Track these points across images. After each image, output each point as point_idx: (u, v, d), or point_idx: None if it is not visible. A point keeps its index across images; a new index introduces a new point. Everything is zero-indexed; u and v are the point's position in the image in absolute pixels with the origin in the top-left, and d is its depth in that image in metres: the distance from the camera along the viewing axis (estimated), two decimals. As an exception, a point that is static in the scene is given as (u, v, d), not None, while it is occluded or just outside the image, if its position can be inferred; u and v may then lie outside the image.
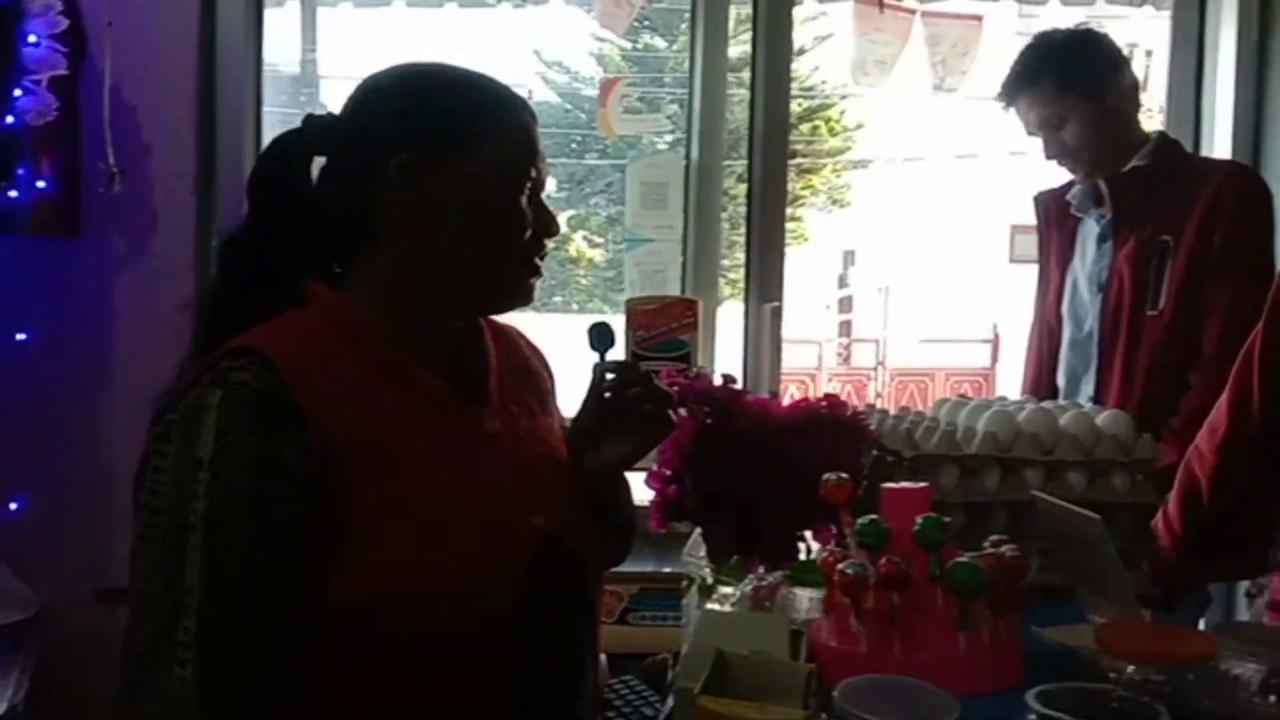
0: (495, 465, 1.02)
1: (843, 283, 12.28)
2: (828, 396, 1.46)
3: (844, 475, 1.17)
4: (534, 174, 1.04)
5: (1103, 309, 1.89)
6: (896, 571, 1.01)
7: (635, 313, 2.13)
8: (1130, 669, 0.98)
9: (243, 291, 1.02)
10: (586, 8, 2.74)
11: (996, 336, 9.39)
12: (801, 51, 10.25)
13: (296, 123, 1.07)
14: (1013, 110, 1.95)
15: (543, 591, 0.99)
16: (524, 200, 1.03)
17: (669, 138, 3.79)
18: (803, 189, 10.28)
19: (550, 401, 1.16)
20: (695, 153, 2.28)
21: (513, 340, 1.15)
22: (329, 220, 1.03)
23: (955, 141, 9.92)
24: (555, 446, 1.10)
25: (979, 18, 3.13)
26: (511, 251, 1.03)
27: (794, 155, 10.71)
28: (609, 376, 1.07)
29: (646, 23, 9.32)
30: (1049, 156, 1.95)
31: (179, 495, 0.90)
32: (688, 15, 2.32)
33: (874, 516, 1.08)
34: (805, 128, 10.58)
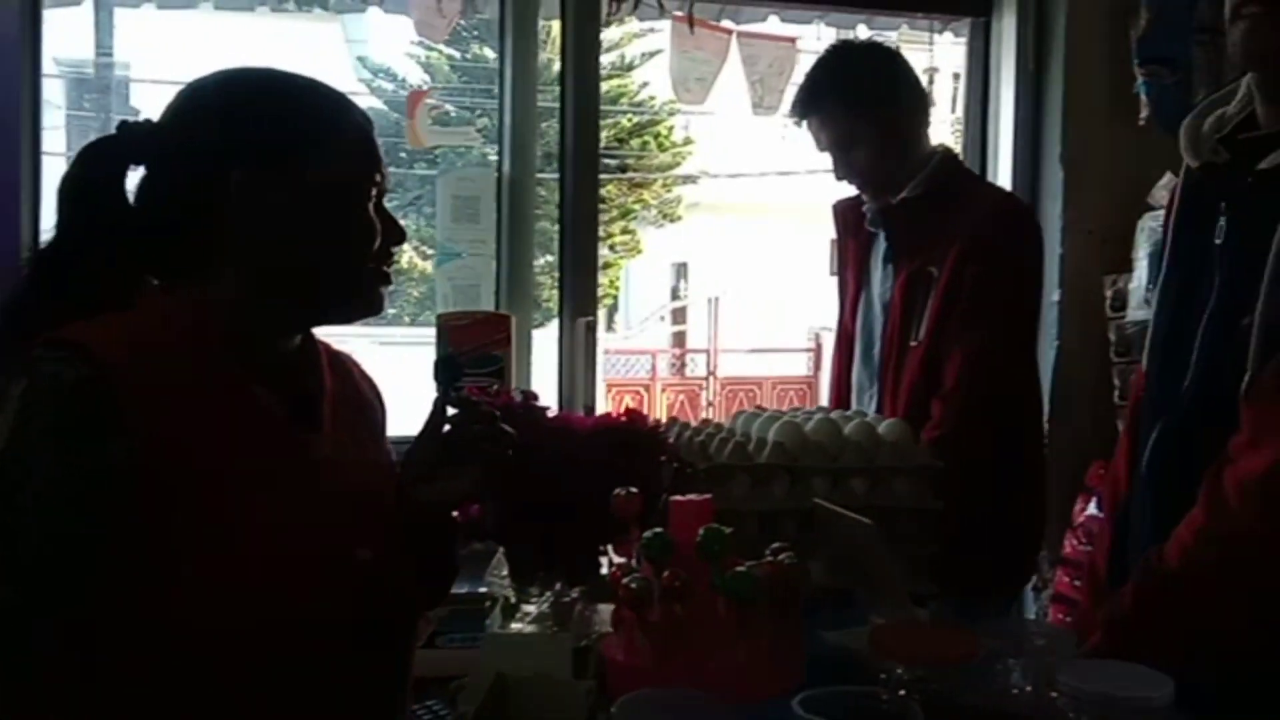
0: (322, 493, 0.99)
1: (675, 294, 12.52)
2: (628, 411, 1.47)
3: (633, 490, 1.18)
4: (378, 179, 1.03)
5: (884, 331, 1.88)
6: (679, 584, 1.03)
7: (447, 328, 2.10)
8: (899, 669, 1.03)
9: (55, 304, 0.95)
10: (406, 12, 2.69)
11: (818, 345, 9.77)
12: (632, 67, 10.41)
13: (93, 125, 1.02)
14: (805, 127, 1.92)
15: (362, 626, 0.97)
16: (369, 206, 1.02)
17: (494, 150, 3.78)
18: (634, 203, 10.43)
19: (381, 434, 1.14)
20: (507, 166, 2.27)
21: (347, 368, 1.13)
22: (153, 231, 0.98)
23: (777, 158, 10.30)
24: (383, 480, 1.09)
25: (793, 40, 3.26)
26: (363, 258, 1.02)
27: (625, 169, 10.85)
28: (451, 412, 1.06)
29: (475, 33, 9.25)
30: (839, 177, 1.93)
31: None
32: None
33: (659, 530, 1.09)
34: (636, 142, 10.74)
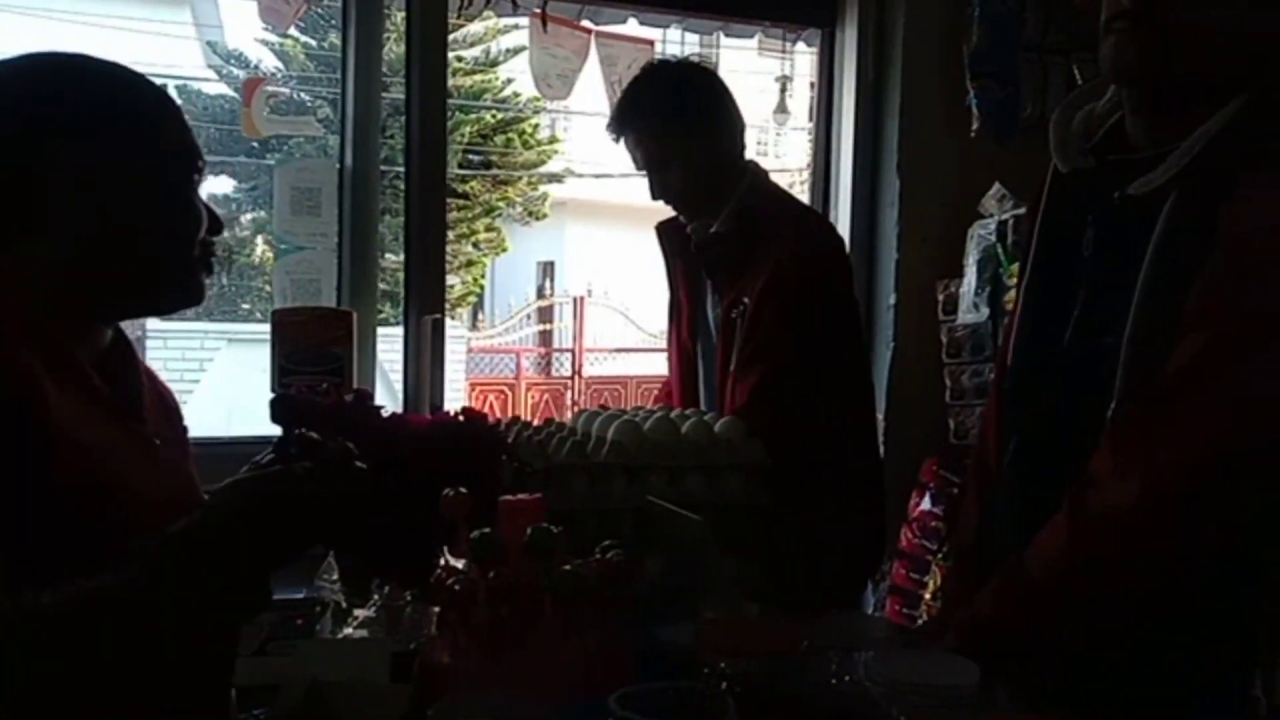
0: (166, 475, 0.99)
1: (541, 293, 12.46)
2: (465, 410, 1.45)
3: (462, 490, 1.16)
4: (199, 165, 1.02)
5: (713, 356, 1.88)
6: (504, 584, 1.02)
7: (283, 324, 2.02)
8: (722, 663, 1.05)
9: None
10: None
11: (683, 346, 9.85)
12: (496, 63, 10.29)
13: None
14: (622, 144, 1.87)
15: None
16: (187, 192, 1.01)
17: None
18: (499, 200, 10.32)
19: (187, 439, 1.12)
20: (350, 158, 2.20)
21: (152, 373, 1.11)
22: None
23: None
24: (192, 491, 1.05)
25: (650, 43, 3.28)
26: (189, 244, 1.01)
27: (489, 166, 10.73)
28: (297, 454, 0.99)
29: (332, 22, 8.97)
30: (654, 196, 1.88)
31: None
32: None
33: (487, 530, 1.08)
34: (501, 139, 10.63)
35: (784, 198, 1.92)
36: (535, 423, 1.61)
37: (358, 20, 2.17)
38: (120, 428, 0.98)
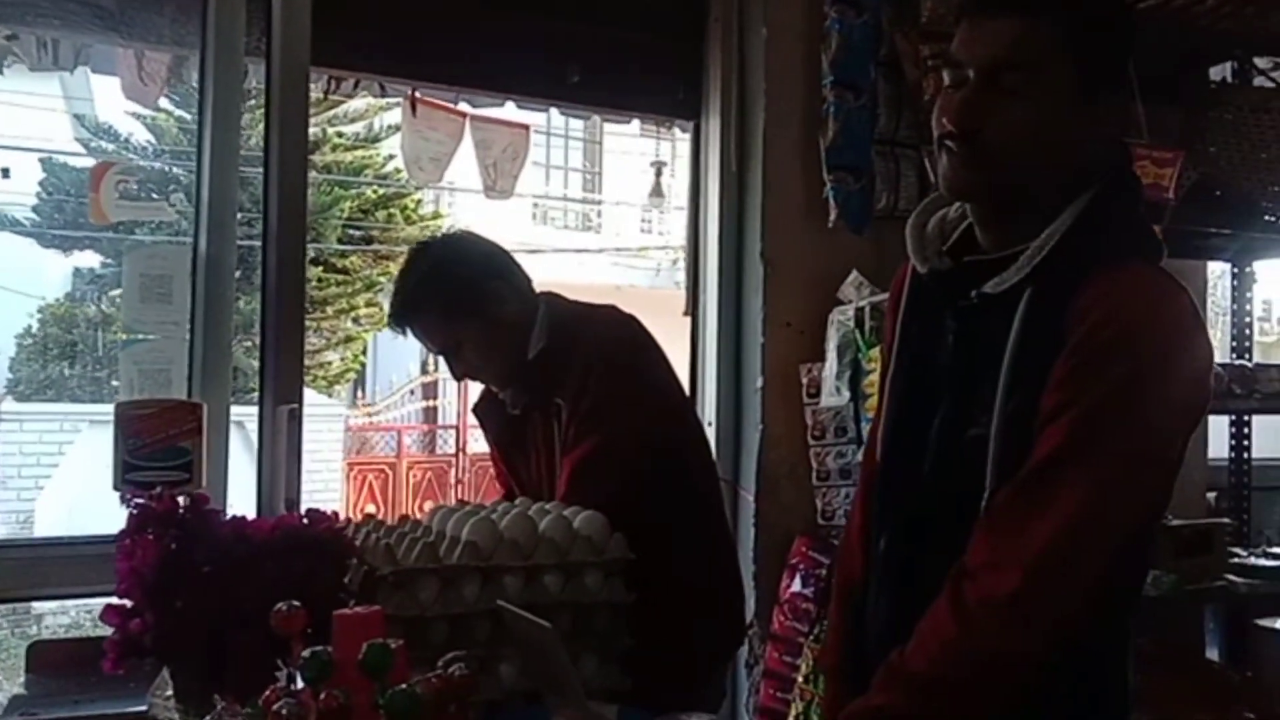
0: None
1: (425, 368, 12.26)
2: (310, 512, 1.40)
3: (295, 605, 1.11)
4: None
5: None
6: (335, 706, 0.97)
7: (127, 418, 1.92)
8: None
9: None
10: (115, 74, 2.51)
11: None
12: (378, 139, 10.24)
13: None
14: (409, 336, 1.86)
15: None
16: None
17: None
18: (380, 275, 10.17)
19: None
20: (204, 242, 2.13)
21: None
22: None
23: (527, 236, 10.41)
24: None
25: (526, 127, 3.30)
26: None
27: (370, 241, 10.58)
28: None
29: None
30: (458, 377, 1.91)
31: None
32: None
33: (317, 649, 1.03)
34: (381, 214, 10.52)
35: (582, 309, 1.91)
36: (391, 521, 1.56)
37: (215, 98, 2.12)
38: None
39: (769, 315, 2.52)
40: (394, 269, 11.09)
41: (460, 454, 9.98)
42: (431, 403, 11.41)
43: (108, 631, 1.37)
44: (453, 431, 10.46)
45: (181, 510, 1.34)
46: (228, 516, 1.44)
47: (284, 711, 0.96)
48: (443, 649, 1.21)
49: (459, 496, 9.29)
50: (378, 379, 12.29)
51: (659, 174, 9.88)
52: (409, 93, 2.85)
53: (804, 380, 2.51)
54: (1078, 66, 1.17)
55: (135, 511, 1.34)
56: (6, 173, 8.21)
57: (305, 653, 1.02)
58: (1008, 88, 1.16)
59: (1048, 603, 1.12)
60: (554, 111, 3.16)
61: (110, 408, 1.94)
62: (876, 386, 2.14)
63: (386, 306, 1.91)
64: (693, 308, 2.73)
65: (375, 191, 10.40)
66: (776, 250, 2.54)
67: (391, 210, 10.53)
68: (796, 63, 2.56)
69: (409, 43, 2.51)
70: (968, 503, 1.18)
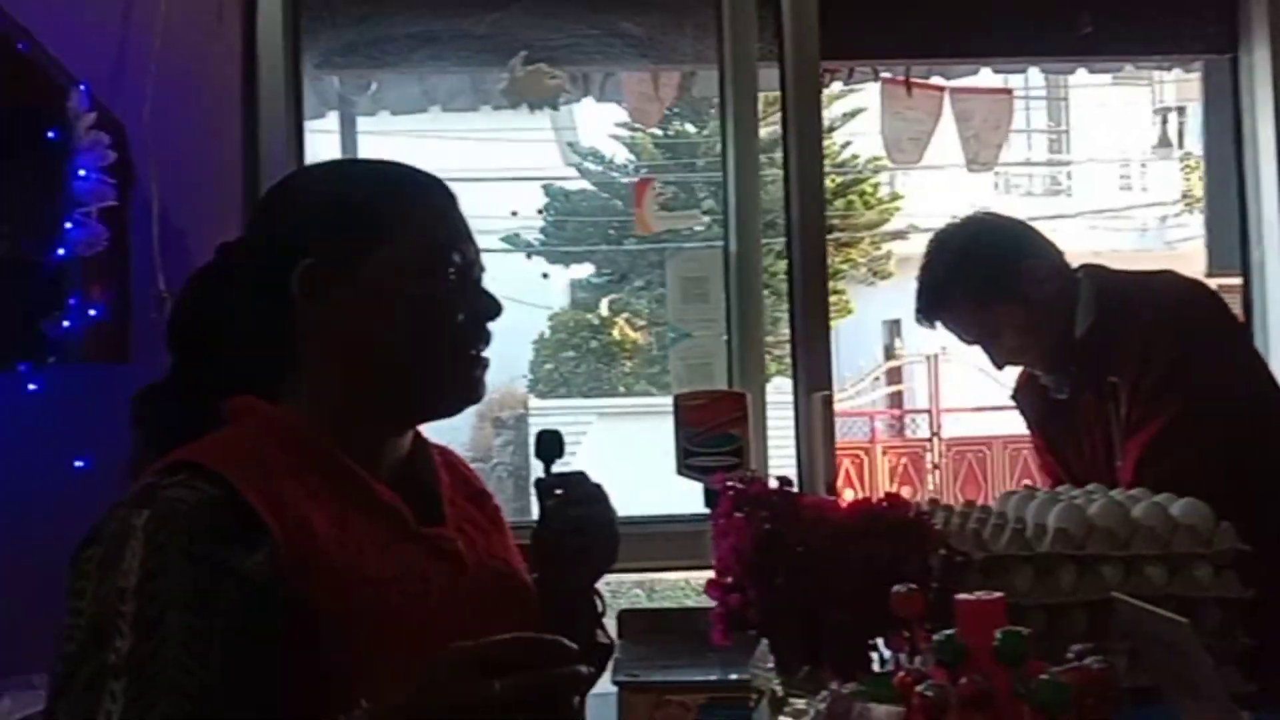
0: (467, 588, 0.96)
1: (889, 353, 12.18)
2: (888, 496, 1.42)
3: (913, 587, 1.12)
4: (456, 258, 0.97)
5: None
6: (978, 692, 0.96)
7: (684, 408, 2.10)
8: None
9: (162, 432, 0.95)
10: (619, 100, 2.78)
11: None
12: (832, 129, 10.35)
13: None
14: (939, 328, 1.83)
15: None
16: (445, 287, 0.96)
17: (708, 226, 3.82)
18: (841, 263, 10.27)
19: (500, 518, 1.09)
20: (733, 244, 2.27)
21: (453, 461, 1.09)
22: (248, 345, 0.96)
23: (992, 206, 9.88)
24: (515, 564, 1.05)
25: (1008, 91, 3.13)
26: (440, 344, 0.96)
27: (830, 230, 10.72)
28: (559, 492, 1.00)
29: (675, 110, 9.49)
30: (999, 365, 1.82)
31: (97, 635, 0.78)
32: (717, 101, 2.32)
33: (950, 633, 1.02)
34: (840, 203, 10.59)
35: (1134, 278, 1.79)
36: (957, 507, 1.54)
37: (735, 106, 2.24)
38: (414, 545, 0.95)
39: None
40: (855, 255, 11.19)
41: (935, 438, 9.75)
42: (897, 387, 11.30)
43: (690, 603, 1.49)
44: (924, 416, 10.26)
45: (771, 492, 1.42)
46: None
47: (928, 693, 0.97)
48: (1039, 641, 1.16)
49: (935, 483, 9.10)
50: (842, 366, 12.44)
51: (1164, 121, 8.86)
52: (888, 75, 2.82)
53: None
54: None
55: (729, 493, 1.44)
56: (514, 213, 9.43)
57: (938, 637, 1.02)
58: None
59: None
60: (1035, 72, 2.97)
61: (614, 401, 2.13)
62: None
63: (914, 300, 1.88)
64: (1243, 266, 2.43)
65: (833, 181, 10.51)
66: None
67: (850, 197, 10.58)
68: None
69: (902, 21, 2.49)
70: None
